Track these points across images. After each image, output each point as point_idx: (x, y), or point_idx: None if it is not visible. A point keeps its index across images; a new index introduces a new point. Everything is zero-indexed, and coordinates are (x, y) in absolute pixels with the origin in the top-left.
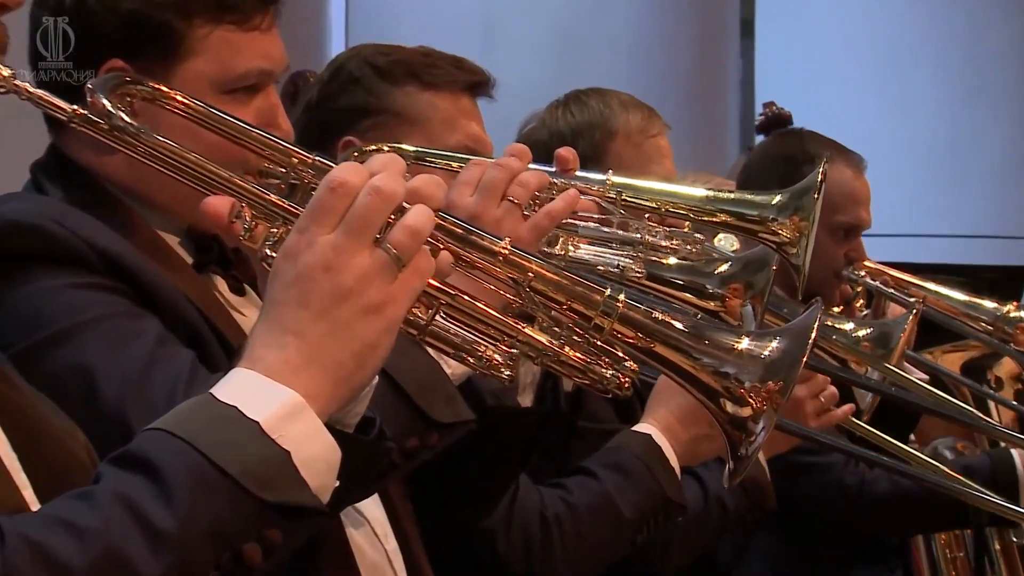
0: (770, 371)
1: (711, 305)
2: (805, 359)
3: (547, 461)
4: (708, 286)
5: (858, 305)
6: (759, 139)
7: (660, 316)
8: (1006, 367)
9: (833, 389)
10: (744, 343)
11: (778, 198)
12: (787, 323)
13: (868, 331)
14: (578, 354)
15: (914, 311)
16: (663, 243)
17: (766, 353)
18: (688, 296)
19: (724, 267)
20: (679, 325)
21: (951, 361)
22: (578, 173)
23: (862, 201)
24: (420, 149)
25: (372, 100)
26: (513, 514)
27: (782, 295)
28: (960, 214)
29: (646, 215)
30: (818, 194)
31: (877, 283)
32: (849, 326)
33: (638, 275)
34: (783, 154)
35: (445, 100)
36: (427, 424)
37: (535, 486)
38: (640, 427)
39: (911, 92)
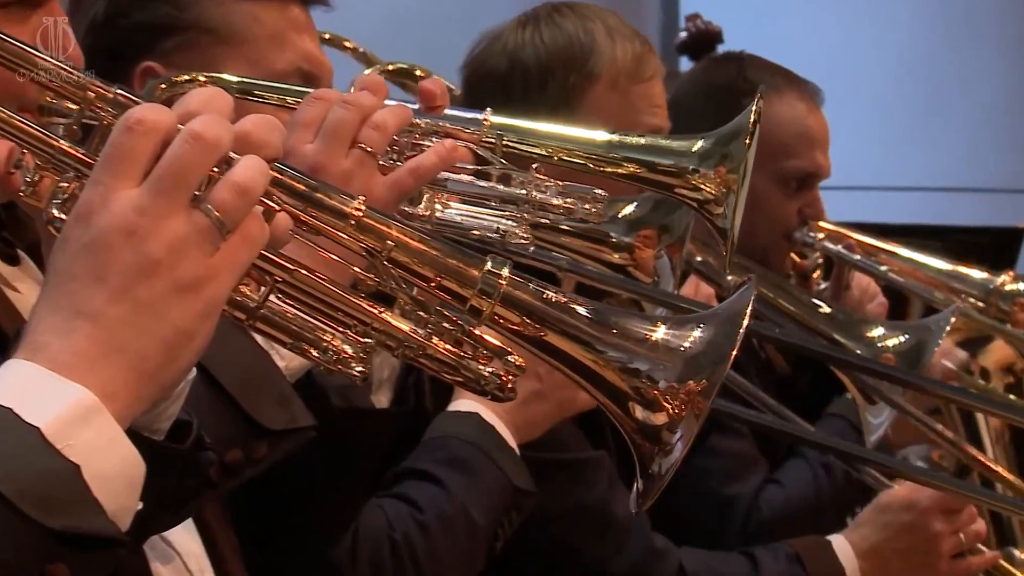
0: (691, 368)
1: (616, 258)
2: (735, 352)
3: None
4: (612, 234)
5: (815, 276)
6: (685, 64)
7: (554, 297)
8: (994, 354)
9: (981, 526)
10: (660, 332)
11: (700, 143)
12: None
13: (902, 339)
14: (449, 345)
15: (953, 312)
16: (555, 201)
17: (687, 345)
18: (585, 244)
19: (630, 208)
20: (578, 309)
21: None
22: (448, 111)
23: (818, 142)
24: (246, 80)
25: (175, 13)
26: (358, 541)
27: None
28: (940, 163)
29: (534, 165)
30: (750, 138)
31: (839, 248)
32: (878, 331)
33: (523, 242)
34: (716, 85)
35: (269, 10)
36: (253, 432)
37: (377, 503)
38: (462, 404)
39: (881, 9)
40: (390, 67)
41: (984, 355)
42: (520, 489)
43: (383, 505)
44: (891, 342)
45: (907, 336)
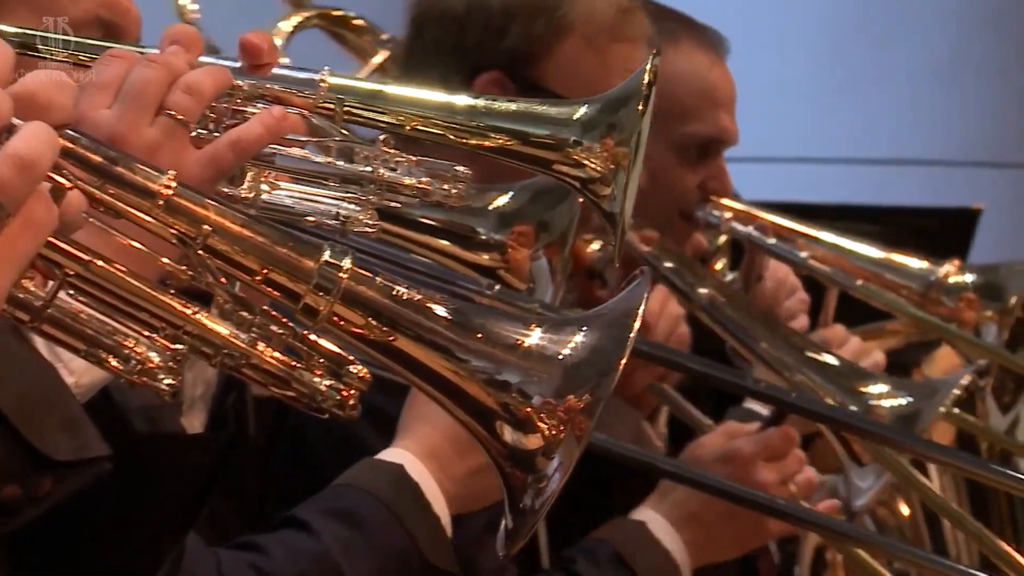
0: (572, 380)
1: (484, 259)
2: (624, 361)
3: (239, 507)
4: (480, 229)
5: (719, 267)
6: None
7: (407, 294)
8: (940, 362)
9: (811, 473)
10: (534, 337)
11: (583, 110)
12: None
13: (904, 402)
14: (278, 352)
15: (973, 372)
16: (407, 180)
17: (567, 352)
18: (445, 244)
19: (503, 200)
20: (436, 308)
21: None
22: (277, 70)
23: (722, 102)
24: (26, 30)
25: None
26: None
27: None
28: (877, 132)
29: (381, 137)
30: (644, 103)
31: (749, 230)
32: (878, 388)
33: (369, 229)
34: None
35: None
36: (35, 463)
37: (211, 549)
38: (389, 453)
39: None
40: (315, 13)
41: (928, 363)
42: (433, 566)
43: (220, 552)
44: (889, 403)
45: (911, 399)
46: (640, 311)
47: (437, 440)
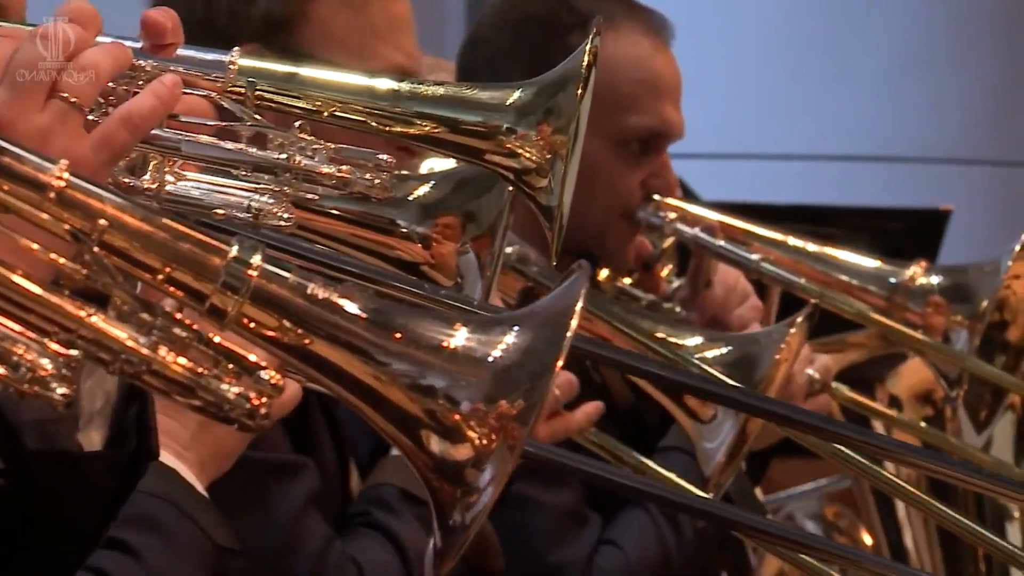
0: (503, 384)
1: (406, 252)
2: (559, 362)
3: None
4: (400, 222)
5: (663, 273)
6: None
7: (322, 293)
8: (906, 378)
9: (568, 376)
10: (461, 337)
11: (517, 95)
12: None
13: (724, 351)
14: (183, 358)
15: (808, 312)
16: (324, 169)
17: (497, 354)
18: (365, 235)
19: (425, 189)
20: (353, 308)
21: None
22: (183, 51)
23: (667, 92)
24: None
25: None
26: None
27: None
28: (835, 125)
29: (297, 123)
30: (583, 87)
31: (696, 232)
32: (695, 340)
33: (284, 224)
34: (531, 16)
35: None
36: None
37: None
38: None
39: None
40: None
41: (894, 379)
42: (224, 548)
43: None
44: (712, 353)
45: (730, 348)
46: (578, 308)
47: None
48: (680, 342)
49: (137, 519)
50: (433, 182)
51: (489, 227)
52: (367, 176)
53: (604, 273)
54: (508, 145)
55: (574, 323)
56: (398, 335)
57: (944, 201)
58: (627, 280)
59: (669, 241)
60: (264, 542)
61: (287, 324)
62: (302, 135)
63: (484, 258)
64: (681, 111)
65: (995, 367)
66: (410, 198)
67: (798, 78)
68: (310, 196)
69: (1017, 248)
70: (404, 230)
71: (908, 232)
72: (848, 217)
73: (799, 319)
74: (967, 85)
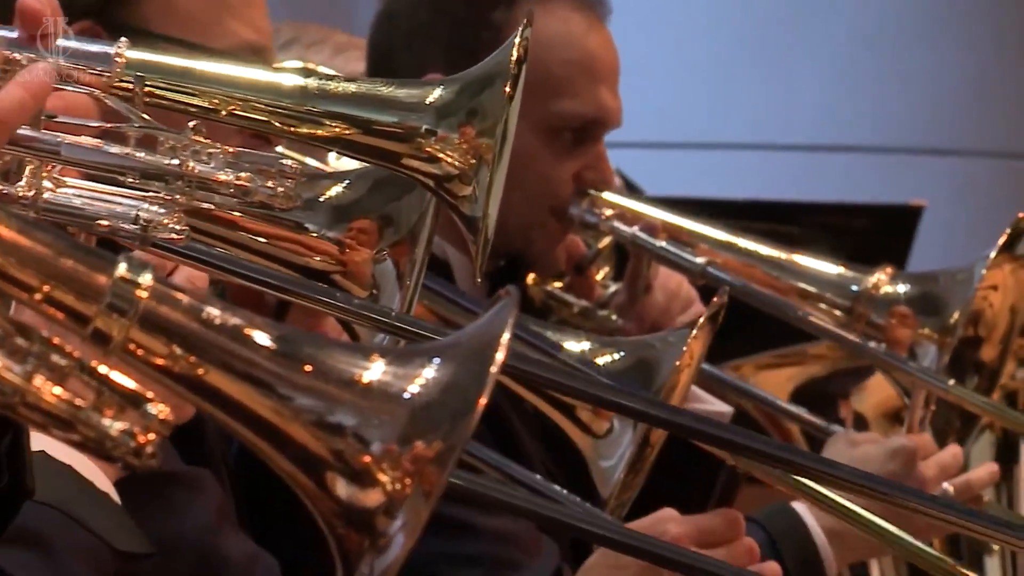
0: (420, 423)
1: (316, 262)
2: (484, 399)
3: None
4: (309, 226)
5: (599, 277)
6: None
7: (219, 317)
8: (874, 394)
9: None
10: (375, 370)
11: (438, 92)
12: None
13: (615, 357)
14: (61, 389)
15: (712, 312)
16: (222, 176)
17: (414, 390)
18: (269, 240)
19: (339, 189)
20: (255, 335)
21: (773, 383)
22: (64, 41)
23: (602, 75)
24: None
25: None
26: None
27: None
28: (792, 112)
29: (191, 124)
30: (512, 85)
31: (635, 231)
32: (582, 346)
33: (176, 236)
34: None
35: None
36: None
37: None
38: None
39: None
40: None
41: (860, 395)
42: (127, 554)
43: None
44: (606, 359)
45: (622, 354)
46: (504, 340)
47: None
48: (565, 348)
49: (19, 536)
50: (347, 181)
51: (410, 231)
52: (269, 184)
53: (532, 277)
54: (428, 149)
55: (500, 356)
56: (307, 366)
57: (916, 196)
58: (557, 284)
59: (605, 241)
60: (179, 554)
61: (179, 351)
62: (196, 137)
63: (403, 266)
64: (619, 95)
65: (966, 388)
66: (321, 199)
67: (753, 56)
68: (205, 206)
69: (992, 254)
70: (314, 235)
71: (875, 231)
72: (808, 214)
73: (701, 319)
74: (942, 65)
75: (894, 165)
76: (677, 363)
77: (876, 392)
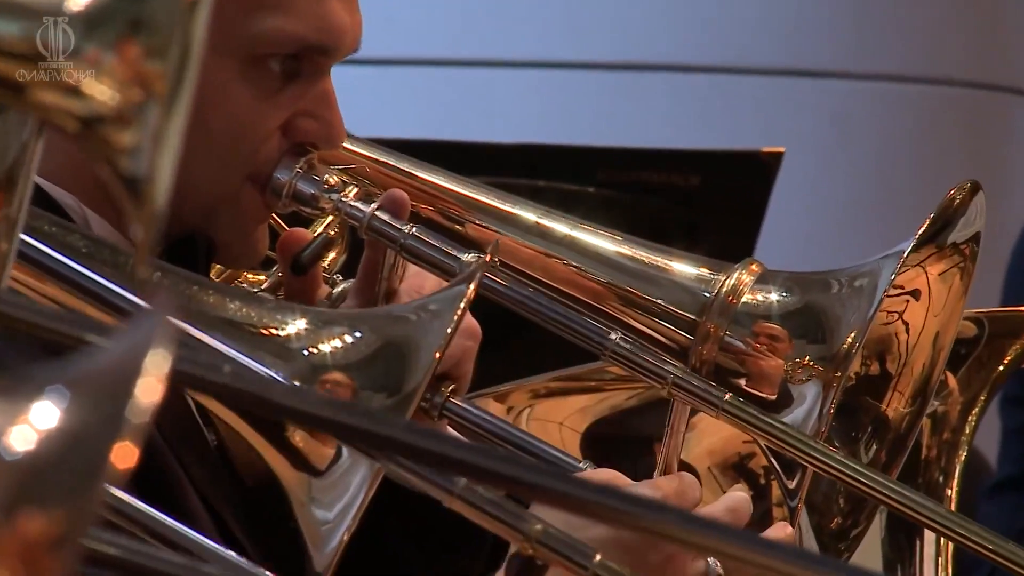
0: (28, 490)
1: None
2: (118, 442)
3: None
4: None
5: (326, 262)
6: None
7: None
8: (707, 436)
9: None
10: None
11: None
12: None
13: (351, 339)
14: None
15: (473, 269)
16: None
17: (22, 446)
18: None
19: None
20: None
21: (559, 416)
22: None
23: None
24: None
25: None
26: None
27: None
28: (590, 21)
29: None
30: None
31: (372, 211)
32: (298, 325)
33: None
34: None
35: None
36: None
37: None
38: None
39: None
40: None
41: (690, 441)
42: None
43: None
44: (327, 346)
45: (360, 334)
46: (153, 365)
47: None
48: (276, 331)
49: None
50: None
51: (6, 173)
52: None
53: (217, 269)
54: (65, 76)
55: (139, 390)
56: None
57: (771, 141)
58: (261, 278)
59: (329, 220)
60: None
61: None
62: None
63: None
64: (357, 6)
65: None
66: None
67: None
68: None
69: (909, 248)
70: None
71: (709, 189)
72: (618, 166)
73: (467, 283)
74: None
75: (738, 93)
76: (442, 343)
77: (710, 433)
